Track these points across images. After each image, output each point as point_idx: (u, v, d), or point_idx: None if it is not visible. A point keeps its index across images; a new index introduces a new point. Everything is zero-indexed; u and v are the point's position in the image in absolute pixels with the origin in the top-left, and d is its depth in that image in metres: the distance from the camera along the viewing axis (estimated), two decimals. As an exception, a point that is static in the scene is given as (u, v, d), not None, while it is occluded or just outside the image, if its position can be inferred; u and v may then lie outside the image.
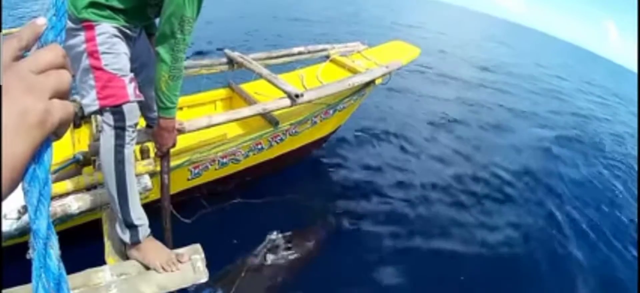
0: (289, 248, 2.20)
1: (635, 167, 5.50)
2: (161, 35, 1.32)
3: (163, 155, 1.63)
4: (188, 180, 2.19)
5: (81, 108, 2.10)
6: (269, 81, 2.31)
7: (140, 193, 1.63)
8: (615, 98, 12.77)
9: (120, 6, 1.31)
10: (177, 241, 1.73)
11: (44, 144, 0.30)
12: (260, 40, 7.03)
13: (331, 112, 2.71)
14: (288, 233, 2.29)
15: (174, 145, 1.60)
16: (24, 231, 1.47)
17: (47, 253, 0.30)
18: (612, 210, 3.94)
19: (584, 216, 3.59)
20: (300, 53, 2.95)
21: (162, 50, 1.34)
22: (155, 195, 1.93)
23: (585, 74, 18.17)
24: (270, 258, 2.12)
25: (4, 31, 2.46)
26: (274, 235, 2.26)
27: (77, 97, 1.98)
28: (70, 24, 1.27)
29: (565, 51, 34.69)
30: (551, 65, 16.34)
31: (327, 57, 3.05)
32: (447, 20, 25.44)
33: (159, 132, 1.53)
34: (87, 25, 1.27)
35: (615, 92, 14.53)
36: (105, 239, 1.61)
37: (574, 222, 3.43)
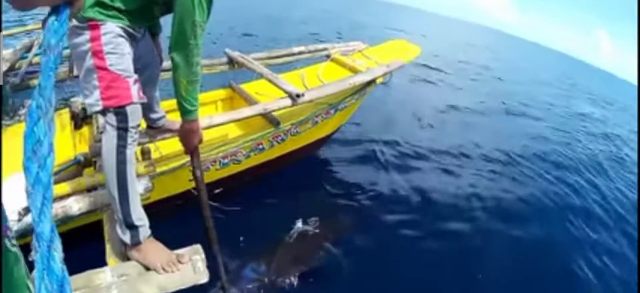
0: (317, 233, 2.34)
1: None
2: (174, 42, 1.32)
3: (192, 152, 1.62)
4: (189, 180, 2.18)
5: (83, 109, 2.10)
6: (270, 81, 2.30)
7: (141, 195, 1.62)
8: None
9: (126, 7, 1.30)
10: (177, 241, 1.72)
11: (47, 147, 0.30)
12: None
13: (332, 111, 2.71)
14: (314, 219, 2.42)
15: (201, 141, 1.60)
16: (25, 233, 1.46)
17: (51, 255, 0.30)
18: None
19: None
20: (300, 53, 2.95)
21: (177, 57, 1.33)
22: (156, 196, 1.92)
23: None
24: (301, 240, 2.29)
25: (4, 32, 2.45)
26: (299, 224, 2.38)
27: (80, 98, 1.98)
28: (75, 22, 1.25)
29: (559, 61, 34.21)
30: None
31: (328, 56, 3.05)
32: (444, 33, 24.93)
33: (184, 135, 1.52)
34: (92, 25, 1.26)
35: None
36: (106, 241, 1.60)
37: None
